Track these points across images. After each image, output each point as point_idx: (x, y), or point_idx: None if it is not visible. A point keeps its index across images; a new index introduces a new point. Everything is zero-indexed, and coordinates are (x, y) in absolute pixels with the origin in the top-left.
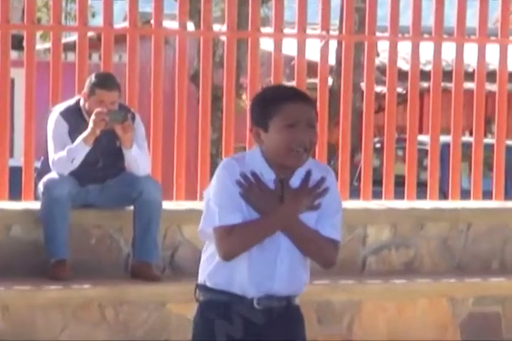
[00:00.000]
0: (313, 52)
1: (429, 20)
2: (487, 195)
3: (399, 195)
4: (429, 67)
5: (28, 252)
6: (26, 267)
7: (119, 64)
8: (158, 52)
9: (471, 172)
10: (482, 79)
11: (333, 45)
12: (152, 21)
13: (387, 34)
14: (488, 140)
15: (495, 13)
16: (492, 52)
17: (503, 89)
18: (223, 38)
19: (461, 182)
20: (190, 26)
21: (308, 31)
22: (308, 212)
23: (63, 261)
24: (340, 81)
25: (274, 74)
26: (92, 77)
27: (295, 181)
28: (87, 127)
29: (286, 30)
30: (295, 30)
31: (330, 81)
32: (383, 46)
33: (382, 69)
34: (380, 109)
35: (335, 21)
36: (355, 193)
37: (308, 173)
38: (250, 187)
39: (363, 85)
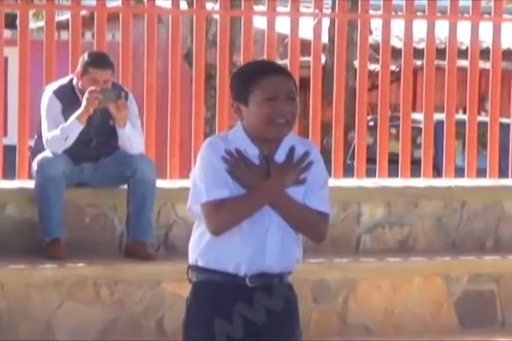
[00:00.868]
0: (306, 30)
1: None
2: (481, 172)
3: (393, 173)
4: (422, 45)
5: (23, 231)
6: (21, 246)
7: (112, 42)
8: (151, 31)
9: (465, 150)
10: (476, 56)
11: (326, 23)
12: (145, 0)
13: (380, 12)
14: (482, 118)
15: None
16: (485, 30)
17: (496, 66)
18: (216, 17)
19: (455, 160)
20: (183, 5)
21: (302, 9)
22: (294, 186)
23: (58, 240)
24: (333, 59)
25: (267, 53)
26: (85, 56)
27: (279, 156)
28: (80, 106)
29: (280, 9)
30: (288, 9)
31: (323, 59)
32: (376, 24)
33: (375, 47)
34: (373, 87)
35: None
36: (348, 171)
37: (292, 148)
38: (236, 163)
39: (356, 63)
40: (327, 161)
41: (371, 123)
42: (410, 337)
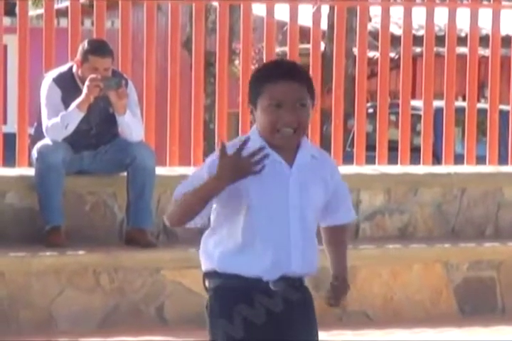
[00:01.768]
0: (305, 17)
1: None
2: (481, 159)
3: (392, 160)
4: (421, 32)
5: (23, 219)
6: (21, 234)
7: (112, 30)
8: (150, 19)
9: (465, 137)
10: (475, 43)
11: (325, 10)
12: None
13: None
14: (482, 105)
15: None
16: (485, 16)
17: (496, 53)
18: (216, 4)
19: (454, 147)
20: None
21: None
22: (315, 187)
23: (58, 228)
24: (332, 46)
25: (266, 40)
26: (85, 44)
27: (298, 164)
28: (80, 94)
29: None
30: None
31: (322, 46)
32: (375, 11)
33: (374, 35)
34: (372, 74)
35: None
36: (348, 158)
37: (245, 142)
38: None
39: (355, 50)
40: (327, 149)
41: (371, 111)
42: (410, 324)
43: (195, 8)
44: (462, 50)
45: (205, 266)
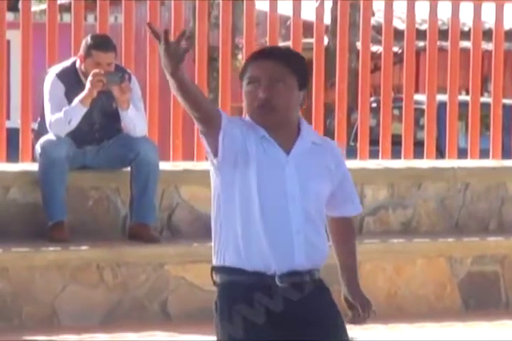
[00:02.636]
0: (308, 11)
1: None
2: (484, 153)
3: (396, 154)
4: (424, 27)
5: (27, 214)
6: (25, 229)
7: (115, 25)
8: (154, 14)
9: (468, 131)
10: (478, 38)
11: (328, 4)
12: None
13: None
14: (485, 99)
15: None
16: (488, 10)
17: (499, 48)
18: None
19: (458, 141)
20: None
21: None
22: (318, 180)
23: (61, 223)
24: (336, 41)
25: (269, 35)
26: (88, 39)
27: (297, 151)
28: (83, 89)
29: None
30: None
31: (326, 41)
32: (379, 5)
33: (377, 29)
34: (376, 69)
35: None
36: (352, 153)
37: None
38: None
39: (358, 45)
40: None
41: (374, 105)
42: (414, 319)
43: (198, 3)
44: (465, 44)
45: (214, 259)
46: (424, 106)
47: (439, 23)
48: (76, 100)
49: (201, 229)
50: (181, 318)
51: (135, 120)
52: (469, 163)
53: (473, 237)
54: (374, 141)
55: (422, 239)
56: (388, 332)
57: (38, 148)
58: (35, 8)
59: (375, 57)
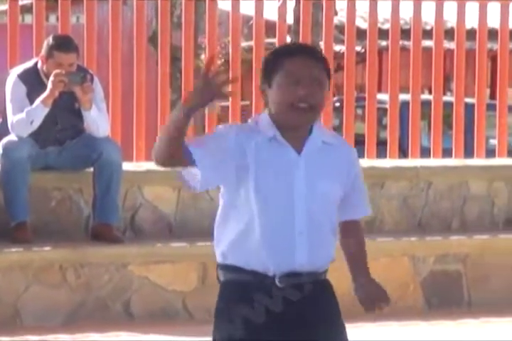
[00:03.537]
0: (271, 11)
1: None
2: (447, 152)
3: (359, 153)
4: (387, 26)
5: None
6: None
7: (77, 25)
8: (116, 14)
9: (431, 130)
10: (440, 37)
11: (291, 4)
12: None
13: None
14: (448, 98)
15: None
16: (450, 9)
17: (461, 46)
18: None
19: (421, 140)
20: None
21: None
22: (329, 182)
23: (24, 224)
24: (298, 40)
25: (232, 34)
26: (50, 40)
27: (308, 150)
28: (45, 89)
29: None
30: None
31: (288, 40)
32: (341, 5)
33: (340, 28)
34: (339, 68)
35: None
36: None
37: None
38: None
39: (321, 44)
40: None
41: (337, 104)
42: (376, 318)
43: (160, 2)
44: (427, 43)
45: (217, 257)
46: (387, 106)
47: (401, 22)
48: (38, 101)
49: (164, 230)
50: (144, 318)
51: (98, 120)
52: (432, 162)
53: (435, 236)
54: None
55: (386, 238)
56: (351, 331)
57: None
58: None
59: (338, 56)
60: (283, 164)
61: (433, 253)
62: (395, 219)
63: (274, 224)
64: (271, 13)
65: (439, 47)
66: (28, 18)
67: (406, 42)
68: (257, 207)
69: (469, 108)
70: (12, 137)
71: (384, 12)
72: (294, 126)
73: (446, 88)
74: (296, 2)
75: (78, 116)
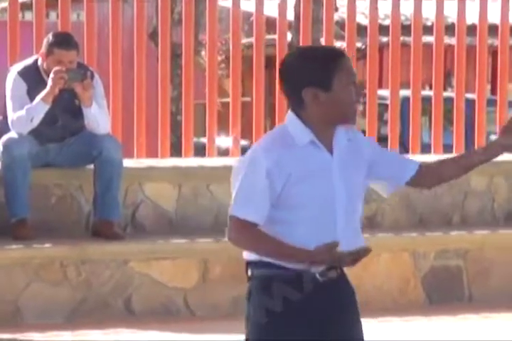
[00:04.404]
0: (271, 8)
1: None
2: (448, 148)
3: None
4: (387, 22)
5: None
6: None
7: (77, 22)
8: (116, 10)
9: (432, 126)
10: (441, 32)
11: (291, 0)
12: None
13: None
14: (448, 93)
15: None
16: (450, 5)
17: (461, 42)
18: None
19: (421, 136)
20: None
21: None
22: (355, 172)
23: (24, 221)
24: (299, 37)
25: (232, 31)
26: (50, 37)
27: (338, 143)
28: (45, 86)
29: None
30: None
31: (289, 37)
32: (342, 1)
33: (341, 24)
34: None
35: None
36: None
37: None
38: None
39: (322, 41)
40: None
41: None
42: (378, 314)
43: None
44: (428, 39)
45: (249, 254)
46: (388, 101)
47: (402, 18)
48: (38, 98)
49: (165, 226)
50: (145, 315)
51: (98, 117)
52: (433, 157)
53: (436, 232)
54: None
55: (386, 233)
56: None
57: (0, 146)
58: None
59: None
60: (321, 167)
61: (433, 249)
62: (396, 214)
63: (316, 225)
64: (271, 10)
65: (439, 43)
66: (29, 15)
67: (407, 38)
68: (300, 210)
69: (470, 103)
70: (12, 134)
71: (384, 8)
72: (350, 124)
73: (447, 84)
74: None
75: (79, 113)
